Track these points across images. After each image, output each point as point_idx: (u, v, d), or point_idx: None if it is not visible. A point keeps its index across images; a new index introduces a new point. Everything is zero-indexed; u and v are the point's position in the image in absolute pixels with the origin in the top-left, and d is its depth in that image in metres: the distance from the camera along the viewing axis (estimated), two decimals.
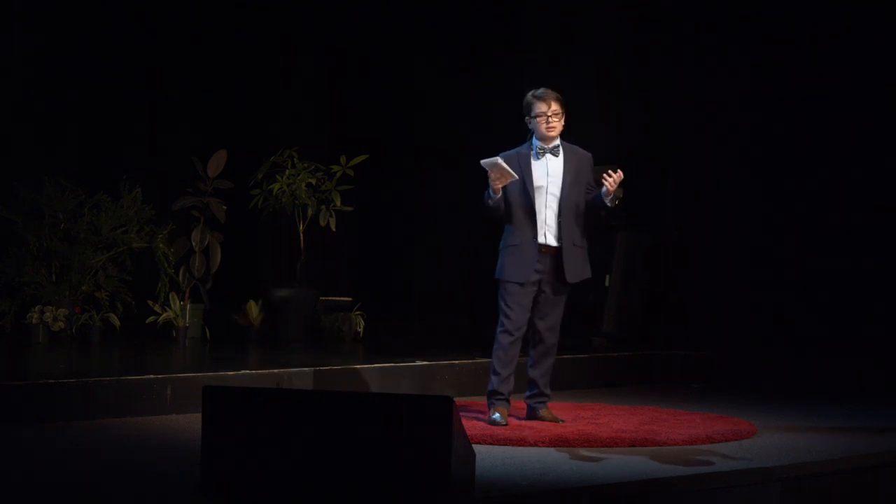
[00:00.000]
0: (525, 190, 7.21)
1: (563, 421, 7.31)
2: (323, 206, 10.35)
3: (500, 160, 7.04)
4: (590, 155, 7.38)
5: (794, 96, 10.55)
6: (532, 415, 7.40)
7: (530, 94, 7.31)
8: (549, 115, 7.22)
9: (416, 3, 12.15)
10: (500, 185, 7.09)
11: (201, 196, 10.35)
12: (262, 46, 11.93)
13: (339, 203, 10.34)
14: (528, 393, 7.42)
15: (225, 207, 10.37)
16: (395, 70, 12.44)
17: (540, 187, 7.22)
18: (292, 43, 12.14)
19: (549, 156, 7.26)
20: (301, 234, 10.42)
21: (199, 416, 5.47)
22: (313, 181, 10.34)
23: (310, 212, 10.34)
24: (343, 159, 10.41)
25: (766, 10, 10.69)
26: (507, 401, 7.33)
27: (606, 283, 10.62)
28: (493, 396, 7.32)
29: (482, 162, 7.07)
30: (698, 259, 10.92)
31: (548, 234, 7.22)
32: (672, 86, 11.06)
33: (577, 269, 7.25)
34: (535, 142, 7.30)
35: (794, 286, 10.52)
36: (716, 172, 10.87)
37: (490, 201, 7.16)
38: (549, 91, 7.27)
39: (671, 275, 10.99)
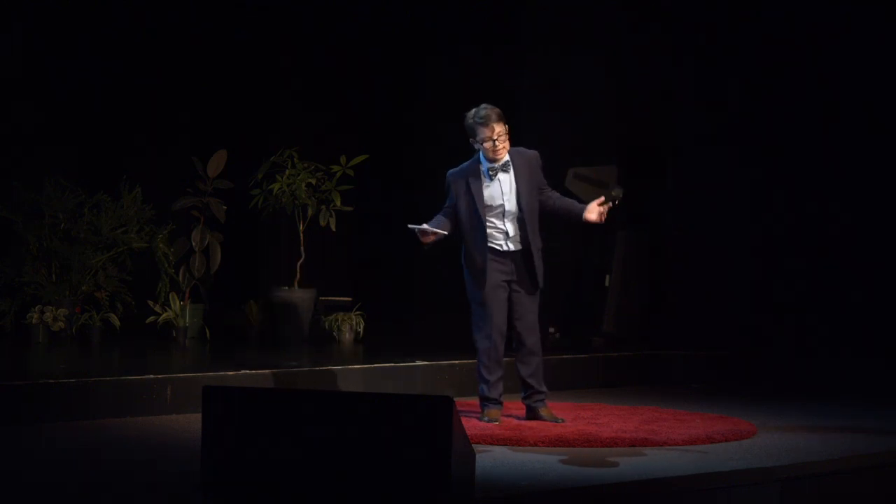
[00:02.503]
0: (476, 212, 7.21)
1: (563, 420, 7.31)
2: (323, 206, 10.35)
3: (424, 227, 7.15)
4: (536, 153, 7.35)
5: (794, 96, 10.55)
6: (532, 415, 7.40)
7: (471, 118, 7.19)
8: (496, 139, 7.16)
9: (416, 3, 12.15)
10: (428, 241, 7.22)
11: (201, 196, 10.35)
12: (262, 46, 11.93)
13: (339, 203, 10.34)
14: (524, 394, 7.42)
15: (225, 207, 10.38)
16: (395, 70, 12.44)
17: (500, 205, 7.22)
18: (292, 43, 12.14)
19: (500, 174, 7.25)
20: (301, 234, 10.43)
21: (199, 416, 5.47)
22: (313, 181, 10.34)
23: (310, 212, 10.34)
24: (343, 159, 10.41)
25: (766, 10, 10.69)
26: (500, 403, 7.35)
27: (606, 283, 10.62)
28: (485, 401, 7.35)
29: (409, 226, 7.15)
30: (698, 259, 10.92)
31: (510, 242, 7.25)
32: (672, 86, 11.06)
33: (542, 271, 7.29)
34: (484, 161, 7.26)
35: (794, 286, 10.52)
36: (716, 172, 10.87)
37: (425, 248, 7.30)
38: (491, 111, 7.14)
39: (671, 275, 10.99)
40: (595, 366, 9.55)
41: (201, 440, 5.36)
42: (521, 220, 7.23)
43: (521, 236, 7.24)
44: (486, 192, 7.23)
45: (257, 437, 5.30)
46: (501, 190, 7.24)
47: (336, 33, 12.26)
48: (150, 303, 10.08)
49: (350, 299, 10.82)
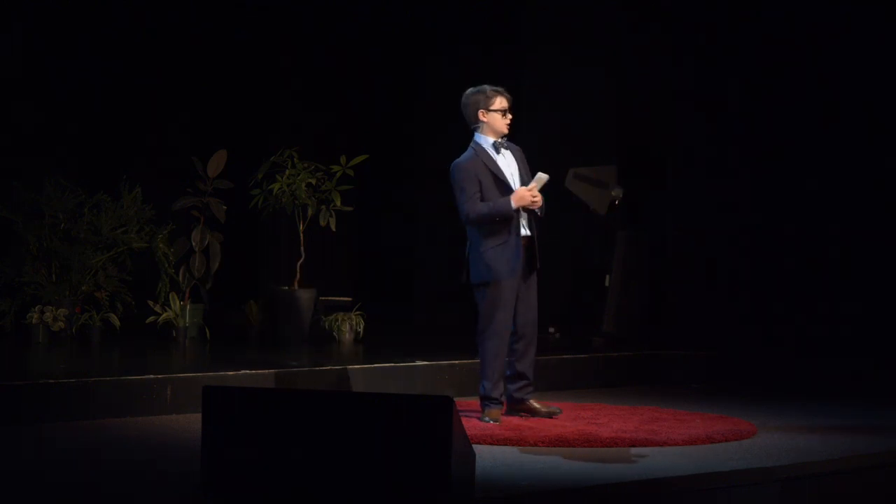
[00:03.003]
0: (506, 188, 7.18)
1: (559, 411, 7.32)
2: (323, 206, 10.34)
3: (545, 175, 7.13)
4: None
5: (794, 96, 10.55)
6: (521, 407, 7.36)
7: (487, 89, 7.23)
8: (508, 111, 7.25)
9: (416, 3, 12.16)
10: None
11: (201, 196, 10.35)
12: (262, 46, 11.93)
13: (339, 203, 10.34)
14: (516, 387, 7.37)
15: (225, 207, 10.37)
16: (395, 70, 12.44)
17: (513, 180, 7.24)
18: (292, 43, 12.14)
19: (503, 150, 7.28)
20: (301, 234, 10.42)
21: (199, 416, 5.47)
22: (313, 181, 10.34)
23: (310, 212, 10.33)
24: (343, 159, 10.41)
25: (766, 10, 10.70)
26: (501, 403, 7.33)
27: (606, 283, 10.62)
28: (486, 400, 7.31)
29: (542, 175, 7.09)
30: (698, 259, 10.92)
31: (524, 225, 7.25)
32: (672, 86, 11.06)
33: (539, 256, 7.30)
34: (486, 139, 7.26)
35: (794, 286, 10.52)
36: (716, 172, 10.88)
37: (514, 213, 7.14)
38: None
39: (671, 275, 10.99)
40: (595, 366, 9.54)
41: (201, 440, 5.36)
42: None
43: (529, 220, 7.26)
44: (502, 166, 7.24)
45: (257, 437, 5.30)
46: (509, 164, 7.27)
47: (336, 33, 12.27)
48: (150, 303, 10.08)
49: (350, 299, 10.81)
